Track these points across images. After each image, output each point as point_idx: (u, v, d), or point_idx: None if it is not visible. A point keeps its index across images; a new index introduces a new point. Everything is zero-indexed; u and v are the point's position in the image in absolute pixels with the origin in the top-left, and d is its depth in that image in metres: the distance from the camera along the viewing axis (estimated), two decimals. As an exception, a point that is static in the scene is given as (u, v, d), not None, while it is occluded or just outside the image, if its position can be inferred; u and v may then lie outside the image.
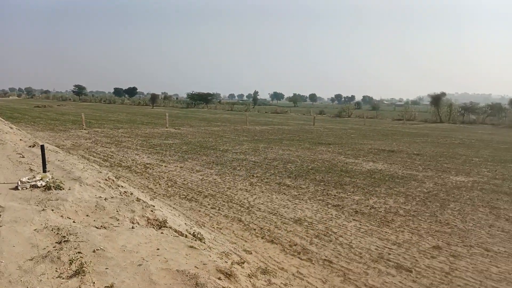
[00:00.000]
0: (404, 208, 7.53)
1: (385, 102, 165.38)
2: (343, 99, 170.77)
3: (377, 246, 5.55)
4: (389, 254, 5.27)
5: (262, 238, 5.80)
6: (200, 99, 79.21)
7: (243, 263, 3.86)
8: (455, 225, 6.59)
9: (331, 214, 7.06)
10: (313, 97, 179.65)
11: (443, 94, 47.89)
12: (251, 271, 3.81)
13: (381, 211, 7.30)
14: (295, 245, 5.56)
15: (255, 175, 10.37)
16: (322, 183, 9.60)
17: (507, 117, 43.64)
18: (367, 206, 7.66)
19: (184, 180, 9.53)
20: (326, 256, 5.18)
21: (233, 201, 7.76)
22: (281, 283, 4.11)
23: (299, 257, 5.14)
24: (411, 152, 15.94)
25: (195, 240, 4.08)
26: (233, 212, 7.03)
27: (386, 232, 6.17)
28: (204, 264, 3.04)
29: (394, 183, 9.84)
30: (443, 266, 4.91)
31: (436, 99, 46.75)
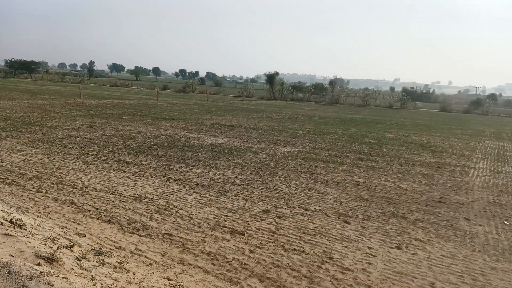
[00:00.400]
0: (240, 178, 8.12)
1: (227, 79, 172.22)
2: (187, 74, 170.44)
3: (215, 215, 5.87)
4: (225, 221, 5.65)
5: (97, 219, 5.48)
6: (22, 67, 68.18)
7: (72, 246, 3.59)
8: (281, 190, 7.45)
9: (173, 189, 7.12)
10: (156, 70, 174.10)
11: (277, 73, 52.48)
12: (81, 253, 3.57)
13: (220, 182, 7.71)
14: (134, 222, 5.44)
15: (90, 153, 9.62)
16: (164, 159, 9.54)
17: (327, 95, 50.66)
18: (208, 178, 7.98)
19: (2, 162, 8.20)
20: (166, 230, 5.22)
21: (64, 183, 7.07)
22: (117, 261, 3.99)
23: (138, 234, 5.05)
24: (248, 127, 17.15)
25: (13, 228, 3.59)
26: (64, 195, 6.42)
27: (223, 201, 6.57)
28: (21, 251, 2.70)
29: (233, 155, 10.48)
30: (270, 227, 5.52)
31: (271, 78, 50.97)
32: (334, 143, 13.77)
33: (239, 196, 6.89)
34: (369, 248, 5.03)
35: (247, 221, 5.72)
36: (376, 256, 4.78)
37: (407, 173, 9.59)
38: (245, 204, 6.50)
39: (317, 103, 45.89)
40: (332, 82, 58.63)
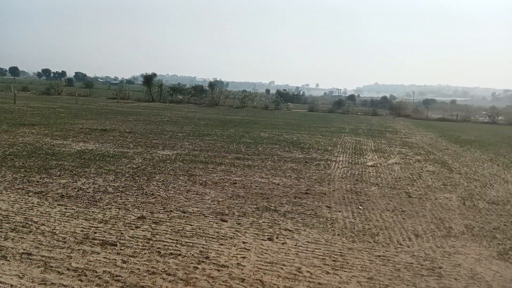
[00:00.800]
0: (113, 186, 7.69)
1: (100, 80, 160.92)
2: (52, 74, 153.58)
3: (83, 228, 5.44)
4: (95, 233, 5.28)
5: None
6: None
7: None
8: (159, 194, 7.28)
9: (33, 203, 6.38)
10: (14, 70, 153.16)
11: (154, 74, 51.01)
12: None
13: (89, 192, 7.17)
14: (-17, 245, 4.72)
15: None
16: (22, 170, 8.48)
17: (207, 97, 51.10)
18: (75, 188, 7.36)
19: None
20: (24, 249, 4.66)
21: None
22: (-43, 293, 3.42)
23: (-12, 258, 4.40)
24: (124, 130, 16.32)
25: None
26: None
27: (93, 211, 6.13)
28: None
29: (105, 161, 9.85)
30: (146, 234, 5.35)
31: (148, 79, 49.32)
32: (213, 144, 13.99)
33: (112, 205, 6.51)
34: (243, 243, 5.25)
35: (120, 230, 5.44)
36: (250, 250, 5.02)
37: (279, 169, 10.27)
38: (118, 212, 6.17)
39: (197, 105, 45.99)
40: (212, 84, 59.35)
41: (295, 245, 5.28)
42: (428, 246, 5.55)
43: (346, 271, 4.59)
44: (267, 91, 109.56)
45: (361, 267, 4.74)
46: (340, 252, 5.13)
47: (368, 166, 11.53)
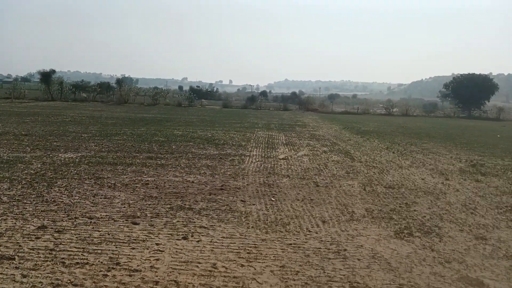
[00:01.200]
0: (8, 194, 6.95)
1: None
2: None
3: (-29, 244, 4.84)
4: (-13, 248, 4.73)
5: None
6: None
7: None
8: (61, 201, 6.75)
9: None
10: None
11: (53, 71, 46.81)
12: None
13: (-22, 203, 6.39)
14: None
15: None
16: None
17: (114, 95, 48.42)
18: (-40, 200, 6.50)
19: None
20: None
21: None
22: None
23: None
24: (19, 133, 14.77)
25: None
26: None
27: (-16, 225, 5.48)
28: None
29: (-3, 169, 8.84)
30: (48, 244, 4.94)
31: (47, 77, 45.17)
32: (123, 144, 13.36)
33: (7, 216, 5.88)
34: (157, 244, 5.13)
35: (18, 242, 4.95)
36: (163, 251, 4.92)
37: (194, 166, 10.19)
38: (15, 223, 5.59)
39: (104, 103, 43.38)
40: (120, 81, 56.42)
41: (210, 242, 5.30)
42: (334, 230, 5.97)
43: (260, 262, 4.75)
44: (180, 87, 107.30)
45: (274, 256, 4.94)
46: (254, 244, 5.29)
47: (279, 159, 11.99)
